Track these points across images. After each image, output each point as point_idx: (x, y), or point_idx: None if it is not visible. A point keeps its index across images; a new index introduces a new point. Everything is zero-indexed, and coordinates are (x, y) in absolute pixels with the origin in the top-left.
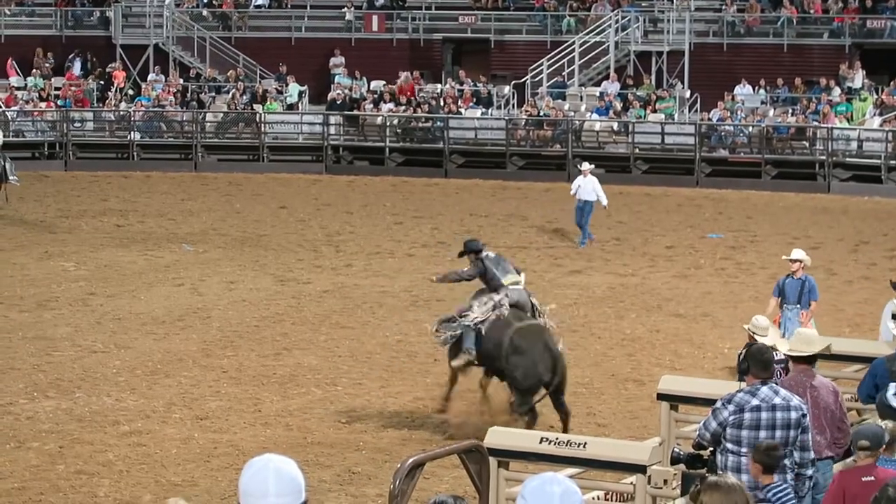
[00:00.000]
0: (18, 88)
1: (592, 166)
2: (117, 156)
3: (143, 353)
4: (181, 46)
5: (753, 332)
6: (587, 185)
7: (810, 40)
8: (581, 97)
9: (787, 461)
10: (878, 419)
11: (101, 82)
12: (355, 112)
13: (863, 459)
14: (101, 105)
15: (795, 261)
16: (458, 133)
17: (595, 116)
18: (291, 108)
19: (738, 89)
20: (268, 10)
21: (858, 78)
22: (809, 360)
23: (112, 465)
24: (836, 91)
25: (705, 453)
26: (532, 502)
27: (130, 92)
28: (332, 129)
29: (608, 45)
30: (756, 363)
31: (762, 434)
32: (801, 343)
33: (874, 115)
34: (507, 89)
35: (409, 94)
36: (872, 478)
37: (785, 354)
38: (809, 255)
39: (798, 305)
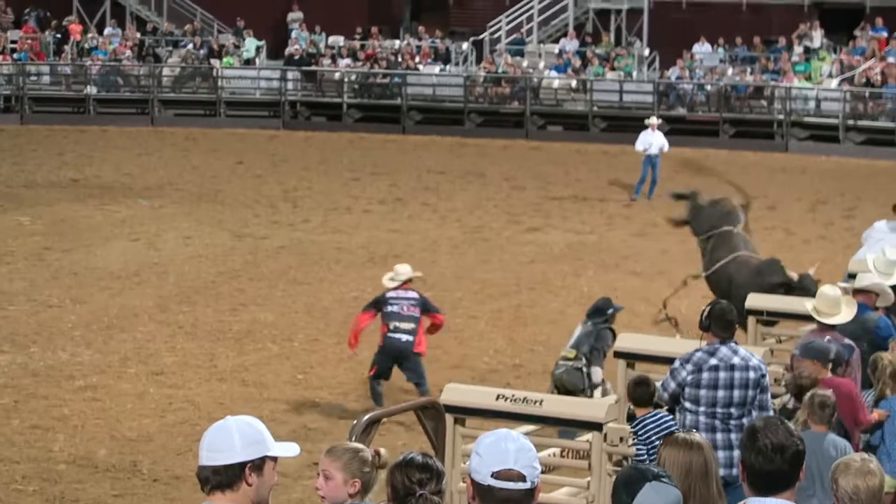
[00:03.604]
0: None
1: (661, 121)
2: (73, 110)
3: (98, 307)
4: (138, 0)
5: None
6: (657, 140)
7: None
8: (540, 54)
9: (745, 420)
10: None
11: (58, 35)
12: (313, 67)
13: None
14: (57, 59)
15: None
16: (416, 89)
17: (553, 74)
18: (248, 62)
19: (696, 48)
20: None
21: (817, 37)
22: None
23: (67, 419)
24: (796, 50)
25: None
26: (487, 459)
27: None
28: (290, 85)
29: (567, 3)
30: (718, 322)
31: (720, 394)
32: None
33: (832, 74)
34: (465, 46)
35: (367, 53)
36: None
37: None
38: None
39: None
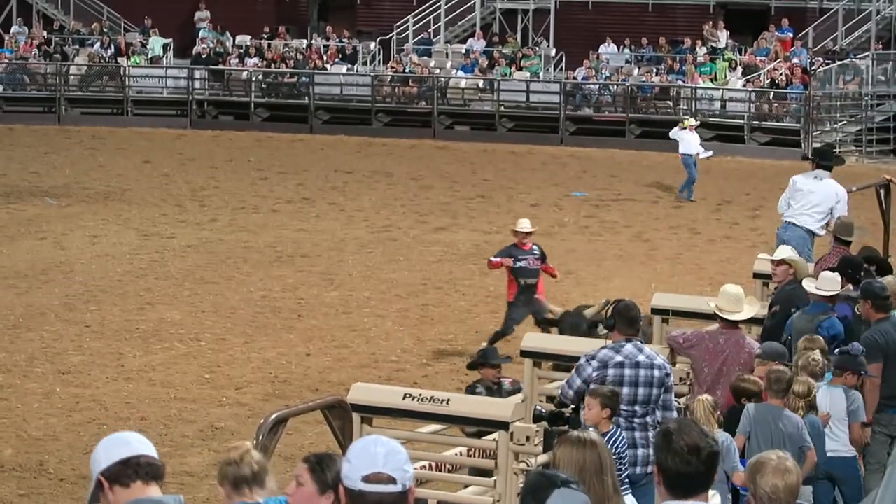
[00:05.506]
0: None
1: (697, 122)
2: None
3: (4, 306)
4: None
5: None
6: (695, 140)
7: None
8: (447, 54)
9: (648, 419)
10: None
11: None
12: (220, 67)
13: (757, 367)
14: None
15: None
16: (323, 89)
17: (461, 74)
18: (152, 61)
19: (602, 48)
20: None
21: (722, 38)
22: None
23: None
24: (701, 51)
25: (567, 411)
26: (357, 464)
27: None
28: (197, 84)
29: (474, 3)
30: (622, 320)
31: (625, 391)
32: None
33: (737, 75)
34: (372, 46)
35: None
36: None
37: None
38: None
39: None
